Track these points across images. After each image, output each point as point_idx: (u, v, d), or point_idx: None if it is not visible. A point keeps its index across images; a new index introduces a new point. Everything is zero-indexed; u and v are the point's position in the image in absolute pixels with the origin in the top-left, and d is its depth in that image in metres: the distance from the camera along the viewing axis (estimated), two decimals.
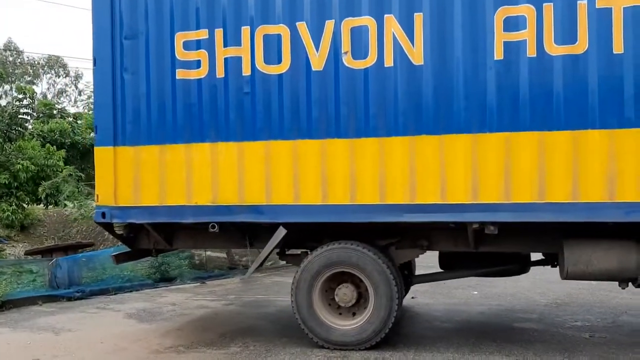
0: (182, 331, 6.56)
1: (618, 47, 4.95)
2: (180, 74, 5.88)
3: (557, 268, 6.18)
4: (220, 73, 5.78)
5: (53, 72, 47.42)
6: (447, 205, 5.30)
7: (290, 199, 5.64)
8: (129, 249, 6.83)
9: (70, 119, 21.46)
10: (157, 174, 5.95)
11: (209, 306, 7.96)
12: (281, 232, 5.75)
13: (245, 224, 5.97)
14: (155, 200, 5.96)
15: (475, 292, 8.31)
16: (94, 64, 6.10)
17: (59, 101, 40.22)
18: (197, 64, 5.83)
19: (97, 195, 6.14)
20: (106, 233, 11.89)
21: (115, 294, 8.91)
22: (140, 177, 5.99)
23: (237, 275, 10.57)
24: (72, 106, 39.11)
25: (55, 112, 22.15)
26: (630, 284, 5.52)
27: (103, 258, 9.50)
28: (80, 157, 19.44)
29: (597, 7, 4.98)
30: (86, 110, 21.04)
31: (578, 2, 5.03)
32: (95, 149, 6.19)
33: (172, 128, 5.90)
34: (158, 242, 6.61)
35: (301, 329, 5.78)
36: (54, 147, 16.48)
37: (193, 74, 5.85)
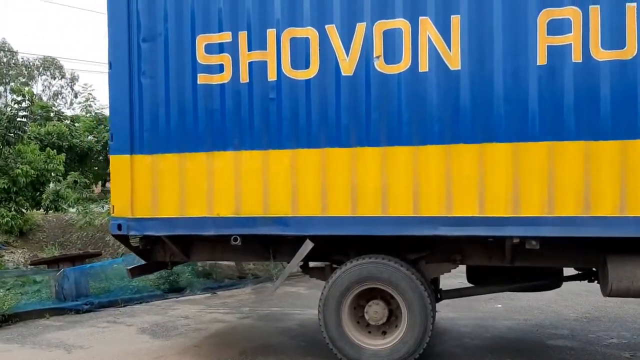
0: (200, 348, 6.25)
1: None
2: (202, 78, 5.58)
3: (587, 282, 5.99)
4: (244, 78, 5.49)
5: (48, 73, 47.01)
6: (486, 218, 5.02)
7: (317, 210, 5.35)
8: (142, 261, 6.51)
9: (68, 122, 21.07)
10: (177, 184, 5.64)
11: (224, 320, 7.65)
12: (308, 246, 5.45)
13: (269, 237, 5.67)
14: (175, 211, 5.65)
15: (499, 306, 8.03)
16: (110, 67, 5.80)
17: (55, 103, 39.79)
18: (220, 69, 5.54)
19: (113, 207, 5.82)
20: (108, 240, 11.73)
21: (124, 305, 8.59)
22: (159, 187, 5.68)
23: (248, 285, 10.28)
24: (68, 109, 38.68)
25: (52, 114, 21.75)
26: None
27: (111, 268, 9.18)
28: (79, 160, 19.05)
29: None
30: (83, 113, 20.57)
31: (627, 4, 4.76)
32: (111, 157, 5.88)
33: (193, 135, 5.60)
34: (175, 255, 6.30)
35: (329, 348, 5.48)
36: (54, 150, 16.12)
37: (215, 79, 5.55)
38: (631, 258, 5.08)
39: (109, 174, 12.83)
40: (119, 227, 5.77)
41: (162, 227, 5.72)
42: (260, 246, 5.99)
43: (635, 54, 4.75)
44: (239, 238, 5.56)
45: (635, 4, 4.76)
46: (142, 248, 6.24)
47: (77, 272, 8.77)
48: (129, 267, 6.41)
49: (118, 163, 5.77)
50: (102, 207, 12.80)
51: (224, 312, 8.15)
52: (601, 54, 4.80)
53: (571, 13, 4.85)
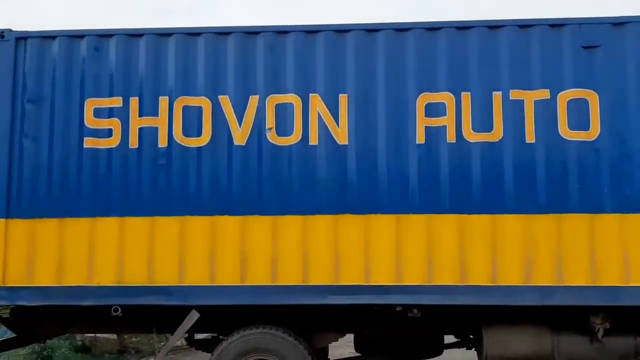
0: None
1: (530, 136, 5.23)
2: (89, 142, 5.45)
3: (465, 349, 6.27)
4: (133, 143, 5.43)
5: None
6: (371, 287, 5.18)
7: (205, 279, 5.27)
8: (13, 334, 6.03)
9: None
10: (55, 250, 5.36)
11: None
12: (194, 316, 5.32)
13: (153, 307, 5.46)
14: (51, 279, 5.34)
15: None
16: None
17: None
18: (109, 133, 5.45)
19: None
20: None
21: None
22: (35, 253, 5.37)
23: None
24: None
25: None
26: None
27: None
28: None
29: (510, 98, 5.27)
30: None
31: (493, 92, 5.30)
32: None
33: (76, 200, 5.39)
34: (50, 327, 5.89)
35: None
36: None
37: (103, 143, 5.44)
38: (504, 327, 5.43)
39: None
40: None
41: (36, 297, 5.35)
42: (144, 316, 5.74)
43: (501, 137, 5.26)
44: (119, 309, 5.32)
45: (500, 93, 5.31)
46: (12, 319, 5.77)
47: None
48: None
49: None
50: None
51: None
52: (472, 136, 5.28)
53: (446, 98, 5.32)
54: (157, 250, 5.30)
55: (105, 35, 5.55)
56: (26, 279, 5.36)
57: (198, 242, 5.30)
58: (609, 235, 5.10)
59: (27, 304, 5.42)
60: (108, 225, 5.34)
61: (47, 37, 5.57)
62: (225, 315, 5.57)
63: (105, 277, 5.31)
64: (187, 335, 5.82)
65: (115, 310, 5.31)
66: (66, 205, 5.39)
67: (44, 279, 5.35)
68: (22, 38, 5.56)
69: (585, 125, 5.23)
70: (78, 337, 9.80)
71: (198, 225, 5.31)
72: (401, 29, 5.40)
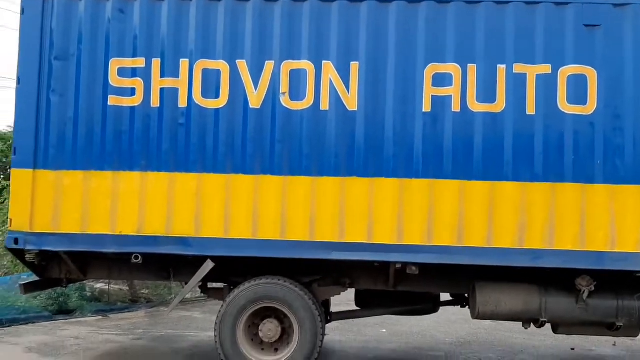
0: None
1: (531, 109, 5.52)
2: (113, 100, 5.75)
3: (460, 308, 6.66)
4: (155, 103, 5.74)
5: None
6: (373, 245, 5.56)
7: (220, 232, 5.65)
8: (37, 278, 6.44)
9: None
10: (80, 200, 5.72)
11: (116, 341, 7.61)
12: (209, 265, 5.72)
13: (171, 256, 5.86)
14: (76, 227, 5.71)
15: (384, 330, 8.59)
16: (18, 83, 5.81)
17: None
18: (132, 92, 5.75)
19: (11, 220, 5.78)
20: None
21: (9, 326, 8.25)
22: (61, 203, 5.73)
23: (142, 309, 10.20)
24: None
25: None
26: (532, 324, 6.01)
27: None
28: None
29: (514, 72, 5.55)
30: None
31: (498, 65, 5.57)
32: (12, 171, 5.87)
33: (100, 154, 5.73)
34: (71, 272, 6.29)
35: None
36: None
37: (126, 101, 5.75)
38: (496, 285, 5.80)
39: None
40: (16, 240, 5.72)
41: (61, 243, 5.74)
42: (160, 266, 6.15)
43: (503, 108, 5.55)
44: (140, 256, 5.72)
45: (505, 66, 5.58)
46: (37, 264, 6.17)
47: None
48: (21, 282, 6.31)
49: (20, 177, 5.75)
50: None
51: (116, 333, 8.09)
52: (476, 106, 5.57)
53: (453, 69, 5.59)
54: (175, 203, 5.66)
55: None
56: (52, 227, 5.73)
57: (214, 197, 5.65)
58: (599, 204, 5.44)
59: (53, 249, 5.81)
60: (130, 179, 5.69)
61: None
62: (237, 267, 5.97)
63: (127, 227, 5.68)
64: (201, 283, 6.23)
65: (136, 257, 5.70)
66: (91, 158, 5.72)
67: (69, 226, 5.72)
68: None
69: (582, 100, 5.52)
70: (87, 288, 10.26)
71: (214, 182, 5.65)
72: (413, 1, 5.63)
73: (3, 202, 11.30)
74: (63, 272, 6.35)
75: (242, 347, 5.72)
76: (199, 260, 5.79)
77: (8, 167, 17.46)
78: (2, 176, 14.08)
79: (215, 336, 5.77)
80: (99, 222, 5.71)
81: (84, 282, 9.82)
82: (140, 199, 5.70)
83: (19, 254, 6.03)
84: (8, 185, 11.64)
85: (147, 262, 5.84)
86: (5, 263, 10.86)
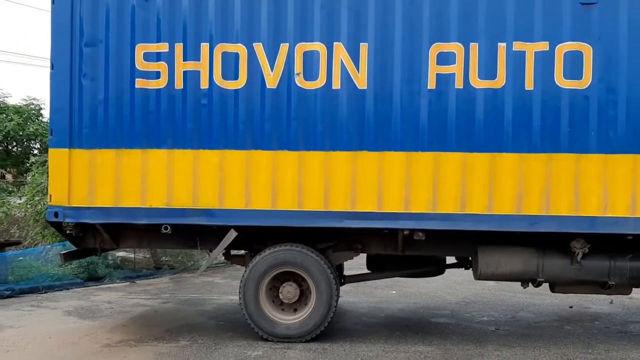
0: (127, 327, 6.85)
1: (529, 84, 5.91)
2: (140, 83, 6.20)
3: (466, 270, 7.17)
4: (179, 85, 6.18)
5: None
6: (383, 213, 6.04)
7: (242, 204, 6.15)
8: (71, 248, 7.02)
9: None
10: (113, 177, 6.23)
11: (146, 304, 8.23)
12: (232, 234, 6.24)
13: (197, 227, 6.39)
14: (110, 201, 6.24)
15: (394, 292, 9.16)
16: (52, 68, 6.27)
17: None
18: (157, 75, 6.19)
19: (50, 195, 6.31)
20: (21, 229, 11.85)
21: (45, 292, 8.92)
22: (96, 179, 6.24)
23: (166, 275, 10.84)
24: None
25: None
26: (530, 284, 6.51)
27: (30, 256, 9.45)
28: None
29: (513, 49, 5.92)
30: None
31: (498, 43, 5.94)
32: (50, 150, 6.37)
33: (130, 134, 6.21)
34: (105, 242, 6.85)
35: (247, 323, 6.29)
36: None
37: (152, 84, 6.20)
38: (496, 249, 6.29)
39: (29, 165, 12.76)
40: (56, 214, 6.26)
41: (97, 215, 6.29)
42: (187, 235, 6.68)
43: (504, 84, 5.94)
44: (169, 227, 6.25)
45: (505, 44, 5.95)
46: (74, 235, 6.74)
47: None
48: (61, 252, 6.89)
49: (57, 156, 6.26)
50: (20, 197, 12.78)
51: (145, 297, 8.72)
52: (478, 83, 5.96)
53: (456, 48, 5.97)
54: (200, 178, 6.16)
55: None
56: (88, 201, 6.26)
57: (236, 172, 6.14)
58: (592, 172, 5.86)
59: (89, 221, 6.36)
60: (158, 156, 6.18)
61: None
62: (257, 236, 6.49)
63: (157, 200, 6.20)
64: (224, 251, 6.77)
65: (165, 228, 6.24)
66: (121, 137, 6.21)
67: (104, 201, 6.25)
68: None
69: (578, 75, 5.89)
70: (110, 257, 10.86)
71: (235, 158, 6.13)
72: None
73: (34, 176, 11.84)
74: (97, 242, 6.90)
75: (264, 308, 6.28)
76: (223, 230, 6.31)
77: (24, 140, 18.05)
78: (34, 152, 14.55)
79: (240, 298, 6.33)
80: (131, 196, 6.23)
81: (109, 251, 10.47)
82: (168, 174, 6.20)
83: (57, 226, 6.61)
84: (36, 162, 12.28)
85: (175, 232, 6.37)
86: (33, 234, 11.47)
